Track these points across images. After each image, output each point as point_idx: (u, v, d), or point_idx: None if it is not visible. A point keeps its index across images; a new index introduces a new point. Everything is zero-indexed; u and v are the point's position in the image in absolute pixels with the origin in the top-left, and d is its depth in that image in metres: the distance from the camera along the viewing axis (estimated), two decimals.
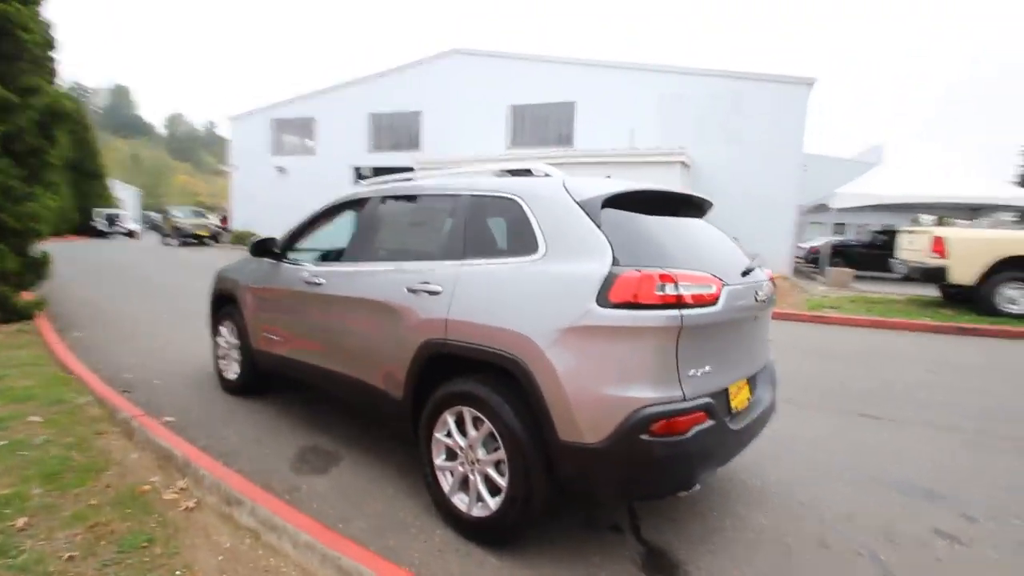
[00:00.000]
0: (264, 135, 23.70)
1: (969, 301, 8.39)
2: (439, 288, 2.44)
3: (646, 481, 1.98)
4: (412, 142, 20.89)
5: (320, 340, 3.13)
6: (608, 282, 1.97)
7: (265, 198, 23.39)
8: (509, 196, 2.42)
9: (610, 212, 2.18)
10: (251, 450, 3.17)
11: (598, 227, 2.12)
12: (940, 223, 24.70)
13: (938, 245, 8.04)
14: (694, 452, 1.97)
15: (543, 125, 18.85)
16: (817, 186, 17.19)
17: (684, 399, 1.96)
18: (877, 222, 26.36)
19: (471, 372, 2.34)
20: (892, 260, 9.80)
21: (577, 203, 2.21)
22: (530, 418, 2.11)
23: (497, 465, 2.23)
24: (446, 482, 2.43)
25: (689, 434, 1.94)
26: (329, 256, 3.97)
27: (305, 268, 3.38)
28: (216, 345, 4.33)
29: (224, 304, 4.26)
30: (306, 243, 3.85)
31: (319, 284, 3.13)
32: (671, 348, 1.95)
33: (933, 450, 3.49)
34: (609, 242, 2.06)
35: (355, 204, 3.33)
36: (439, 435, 2.44)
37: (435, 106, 20.04)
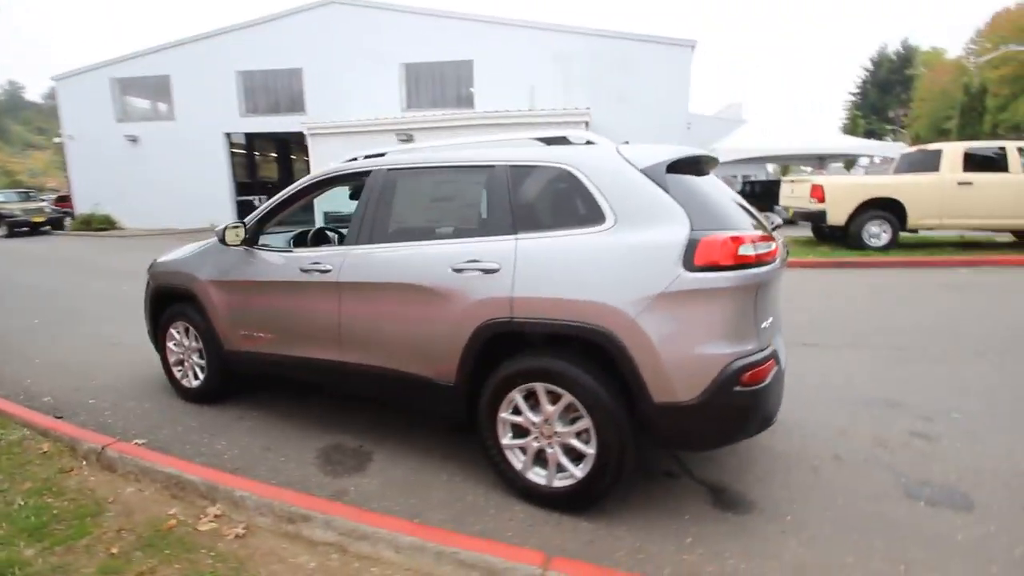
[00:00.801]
0: (104, 98, 20.07)
1: (838, 239, 9.84)
2: (495, 265, 2.34)
3: (737, 428, 2.15)
4: (294, 104, 19.07)
5: (330, 333, 2.86)
6: (692, 247, 2.04)
7: (115, 173, 20.08)
8: (560, 166, 2.36)
9: (669, 177, 2.23)
10: (264, 460, 2.86)
11: (667, 193, 2.17)
12: (784, 172, 28.36)
13: (817, 191, 9.27)
14: (772, 395, 2.17)
15: (440, 85, 18.19)
16: (689, 142, 18.74)
17: (761, 349, 2.13)
18: (738, 173, 29.56)
19: (538, 348, 2.32)
20: (775, 207, 11.12)
21: (640, 171, 2.23)
22: (615, 385, 2.16)
23: (578, 435, 2.26)
24: (517, 459, 2.42)
25: (768, 380, 2.13)
26: (315, 239, 3.60)
27: (298, 254, 3.03)
28: (166, 351, 3.75)
29: (170, 303, 3.69)
30: (276, 226, 3.45)
31: (325, 271, 2.83)
32: (751, 304, 2.09)
33: (867, 367, 4.14)
34: (682, 207, 2.13)
35: (350, 179, 3.03)
36: (505, 415, 2.41)
37: (318, 63, 18.35)
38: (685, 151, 2.33)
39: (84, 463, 2.75)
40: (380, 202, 2.81)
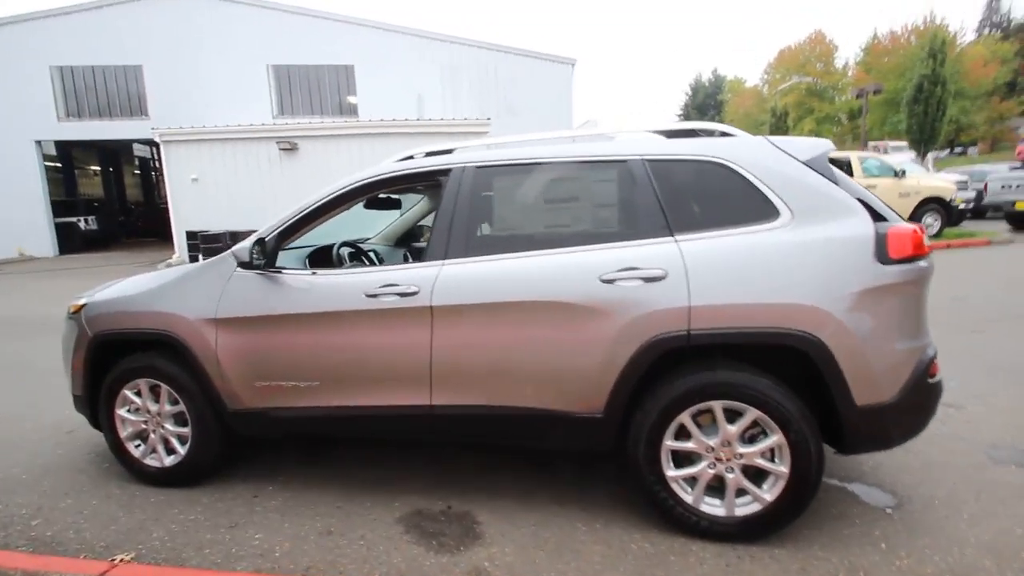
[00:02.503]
0: None
1: None
2: (660, 272, 2.04)
3: (923, 420, 2.11)
4: (133, 106, 16.15)
5: (415, 371, 2.28)
6: (882, 240, 1.97)
7: None
8: (713, 160, 2.14)
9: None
10: (338, 549, 2.17)
11: (837, 184, 2.08)
12: None
13: None
14: None
15: (317, 90, 16.79)
16: None
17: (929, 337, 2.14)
18: None
19: (708, 362, 2.07)
20: None
21: (803, 163, 2.11)
22: (804, 392, 2.01)
23: (763, 454, 2.05)
24: (685, 492, 2.13)
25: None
26: (339, 257, 2.90)
27: (358, 276, 2.38)
28: (115, 422, 2.73)
29: (119, 357, 2.70)
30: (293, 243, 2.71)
31: (408, 294, 2.25)
32: (926, 294, 2.08)
33: None
34: (858, 199, 2.05)
35: (415, 180, 2.48)
36: (670, 442, 2.10)
37: (163, 60, 15.78)
38: (830, 143, 2.27)
39: None
40: (472, 206, 2.31)
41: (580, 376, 2.13)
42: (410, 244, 4.14)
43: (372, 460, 2.92)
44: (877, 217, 2.04)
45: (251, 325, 2.45)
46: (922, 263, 2.03)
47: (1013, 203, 10.80)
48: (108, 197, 22.23)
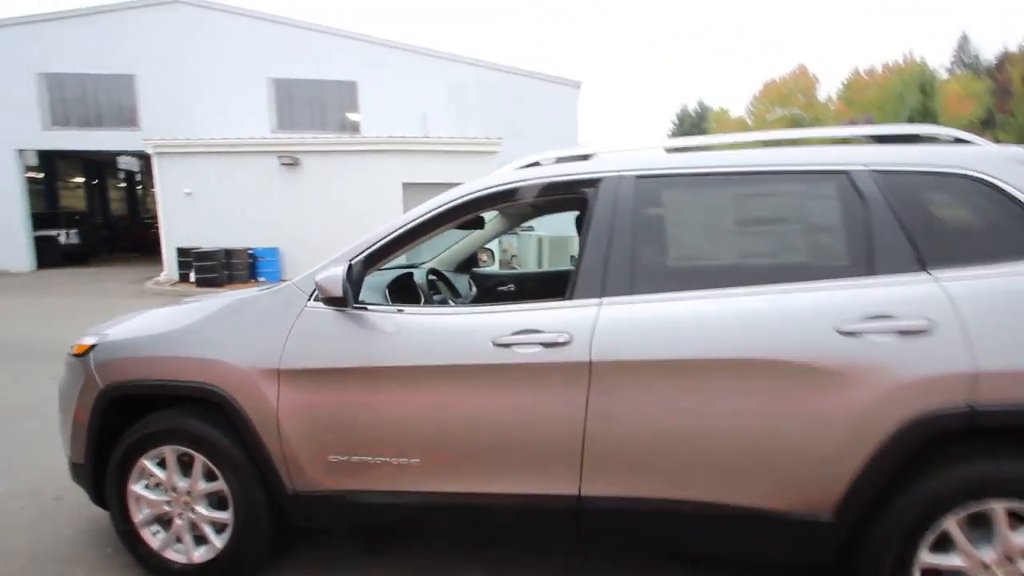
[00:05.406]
0: None
1: None
2: (924, 322, 1.49)
3: None
4: (124, 116, 15.39)
5: (562, 449, 1.68)
6: None
7: None
8: (966, 174, 1.62)
9: None
10: None
11: None
12: None
13: None
14: None
15: (319, 106, 16.27)
16: None
17: None
18: None
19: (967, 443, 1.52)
20: None
21: None
22: None
23: None
24: None
25: None
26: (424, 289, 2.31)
27: (481, 316, 1.78)
28: (127, 500, 2.06)
29: (137, 414, 2.05)
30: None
31: (557, 344, 1.66)
32: None
33: None
34: None
35: (550, 193, 1.91)
36: (926, 556, 1.52)
37: (157, 70, 15.11)
38: None
39: None
40: (636, 227, 1.75)
41: (803, 465, 1.55)
42: (471, 269, 3.57)
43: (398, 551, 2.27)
44: None
45: (331, 379, 1.82)
46: None
47: None
48: (91, 210, 21.25)
